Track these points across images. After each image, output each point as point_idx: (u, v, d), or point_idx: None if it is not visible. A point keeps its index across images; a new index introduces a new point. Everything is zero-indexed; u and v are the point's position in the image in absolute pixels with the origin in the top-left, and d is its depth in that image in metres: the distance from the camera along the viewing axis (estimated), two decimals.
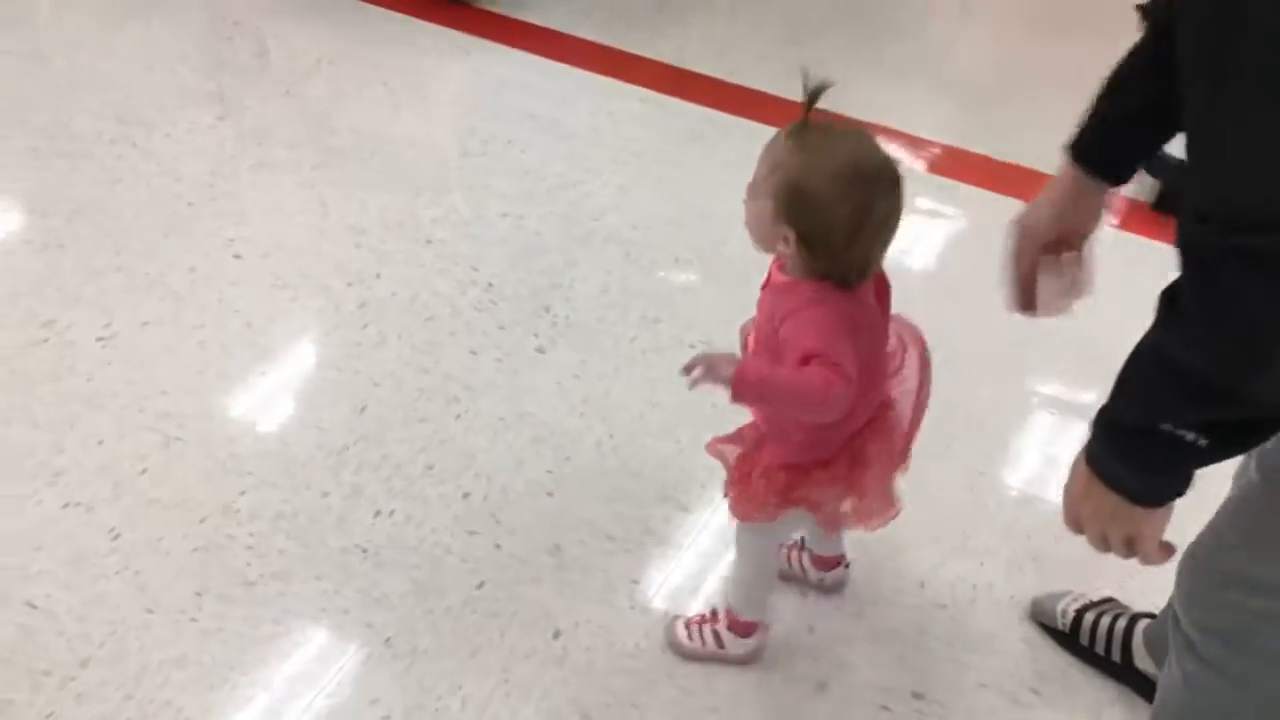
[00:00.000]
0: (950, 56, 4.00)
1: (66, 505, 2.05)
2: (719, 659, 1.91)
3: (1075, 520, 1.24)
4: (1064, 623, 1.99)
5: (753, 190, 1.48)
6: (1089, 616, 1.97)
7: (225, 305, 2.51)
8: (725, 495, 1.72)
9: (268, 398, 2.33)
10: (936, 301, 2.25)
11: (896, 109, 3.35)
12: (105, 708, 1.76)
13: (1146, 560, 1.24)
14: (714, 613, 1.92)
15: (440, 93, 3.45)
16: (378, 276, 2.62)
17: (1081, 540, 1.24)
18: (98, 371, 2.32)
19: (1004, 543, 2.14)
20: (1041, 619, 2.02)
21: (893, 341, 1.66)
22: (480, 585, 1.98)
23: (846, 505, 1.66)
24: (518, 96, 3.34)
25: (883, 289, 1.58)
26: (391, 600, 1.94)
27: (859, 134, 1.45)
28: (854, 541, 1.98)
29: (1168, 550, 1.24)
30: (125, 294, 2.51)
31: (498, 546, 2.05)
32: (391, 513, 2.09)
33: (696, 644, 1.91)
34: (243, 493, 2.10)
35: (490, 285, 2.63)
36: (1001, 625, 2.00)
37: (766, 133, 1.45)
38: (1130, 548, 1.22)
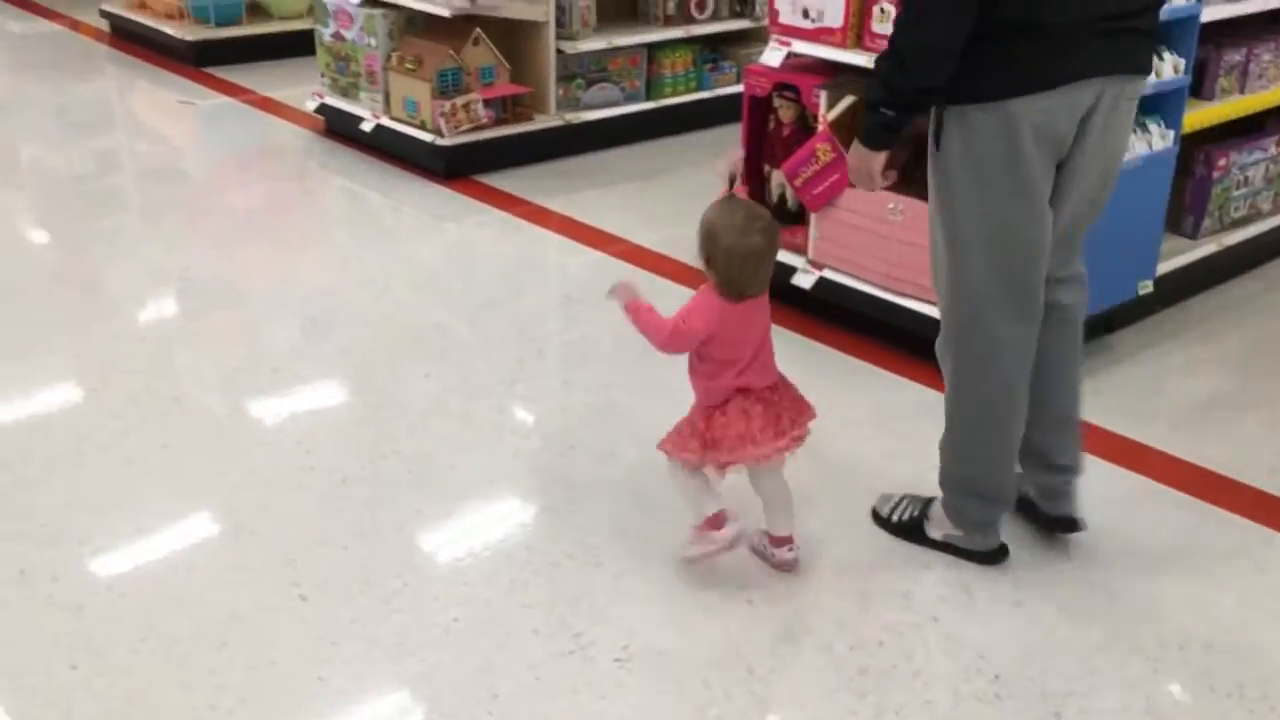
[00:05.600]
0: None
1: None
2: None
3: (852, 170, 2.59)
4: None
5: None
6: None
7: None
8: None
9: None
10: None
11: None
12: None
13: (874, 184, 2.57)
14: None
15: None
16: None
17: None
18: (611, 692, 2.46)
19: None
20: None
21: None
22: None
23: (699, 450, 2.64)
24: None
25: (761, 313, 2.63)
26: None
27: (754, 207, 2.61)
28: None
29: (889, 176, 2.56)
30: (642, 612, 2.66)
31: None
32: None
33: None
34: None
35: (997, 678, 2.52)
36: None
37: None
38: (868, 179, 2.56)
